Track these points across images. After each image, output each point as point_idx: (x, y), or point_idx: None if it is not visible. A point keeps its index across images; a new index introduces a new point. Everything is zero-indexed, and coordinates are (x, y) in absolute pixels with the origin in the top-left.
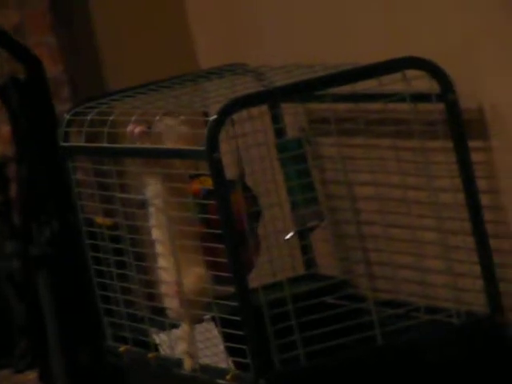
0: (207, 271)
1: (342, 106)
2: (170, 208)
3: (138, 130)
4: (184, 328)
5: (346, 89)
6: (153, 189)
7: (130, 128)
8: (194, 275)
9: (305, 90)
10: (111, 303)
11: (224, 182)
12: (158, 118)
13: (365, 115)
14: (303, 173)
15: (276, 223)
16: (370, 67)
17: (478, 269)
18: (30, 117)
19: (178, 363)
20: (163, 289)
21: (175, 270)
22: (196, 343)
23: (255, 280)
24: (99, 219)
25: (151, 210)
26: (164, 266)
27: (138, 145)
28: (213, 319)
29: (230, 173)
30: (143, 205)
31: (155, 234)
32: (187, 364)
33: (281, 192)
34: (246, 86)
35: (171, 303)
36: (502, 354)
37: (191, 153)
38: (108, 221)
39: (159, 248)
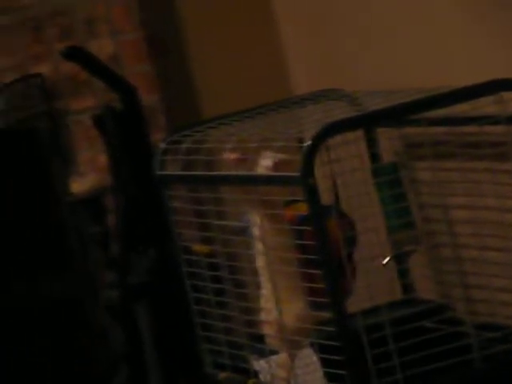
0: (308, 308)
1: (436, 130)
2: (267, 235)
3: (233, 157)
4: (283, 356)
5: (440, 112)
6: (251, 216)
7: (225, 155)
8: (295, 313)
9: (400, 115)
10: (210, 330)
11: (319, 207)
12: (254, 144)
13: (460, 138)
14: (399, 197)
15: (372, 248)
16: (465, 90)
17: None
18: (126, 146)
19: None
20: (264, 320)
21: (275, 303)
22: (295, 371)
23: (353, 305)
24: (197, 247)
25: (252, 237)
26: (265, 295)
27: (233, 172)
28: (311, 345)
29: (326, 198)
30: (241, 232)
31: (257, 261)
32: None
33: (377, 217)
34: (341, 111)
35: (271, 335)
36: None
37: (287, 179)
38: (206, 248)
39: (260, 276)
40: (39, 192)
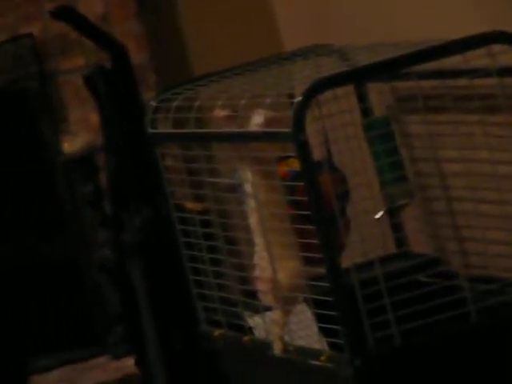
0: (302, 264)
1: (428, 83)
2: (259, 191)
3: (223, 114)
4: (277, 312)
5: (431, 65)
6: (242, 173)
7: (216, 112)
8: (289, 269)
9: (390, 68)
10: (204, 288)
11: (311, 163)
12: (244, 101)
13: (451, 91)
14: (391, 151)
15: (365, 203)
16: (455, 43)
17: None
18: (117, 105)
19: (273, 346)
20: (257, 277)
21: (269, 259)
22: (289, 327)
23: (346, 260)
24: (189, 204)
25: (244, 194)
26: (258, 252)
27: (224, 129)
28: (306, 301)
29: (318, 154)
30: (233, 189)
31: (250, 218)
32: (278, 349)
33: (369, 171)
34: (331, 67)
35: (265, 292)
36: None
37: (278, 135)
38: (198, 206)
39: (254, 233)
40: (31, 152)
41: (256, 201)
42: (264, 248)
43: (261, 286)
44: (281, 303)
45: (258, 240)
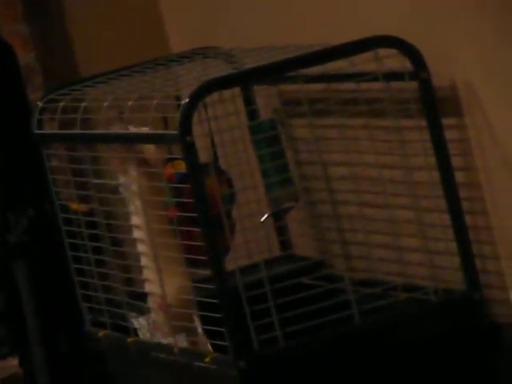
0: (189, 281)
1: (314, 87)
2: (144, 193)
3: (110, 115)
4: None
5: (318, 69)
6: (127, 174)
7: (103, 114)
8: (176, 286)
9: (276, 72)
10: (89, 289)
11: (197, 165)
12: (130, 103)
13: (337, 95)
14: (277, 154)
15: (251, 205)
16: (341, 47)
17: (454, 246)
18: (3, 105)
19: (158, 347)
20: (144, 278)
21: (156, 267)
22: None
23: (231, 263)
24: (75, 205)
25: (127, 195)
26: (143, 254)
27: (111, 130)
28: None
29: (204, 156)
30: (118, 190)
31: (133, 219)
32: None
33: (255, 174)
34: (218, 69)
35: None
36: (479, 331)
37: (164, 137)
38: (84, 207)
39: (137, 234)
40: None
41: (142, 202)
42: (146, 249)
43: (152, 302)
44: (171, 320)
45: (142, 242)
